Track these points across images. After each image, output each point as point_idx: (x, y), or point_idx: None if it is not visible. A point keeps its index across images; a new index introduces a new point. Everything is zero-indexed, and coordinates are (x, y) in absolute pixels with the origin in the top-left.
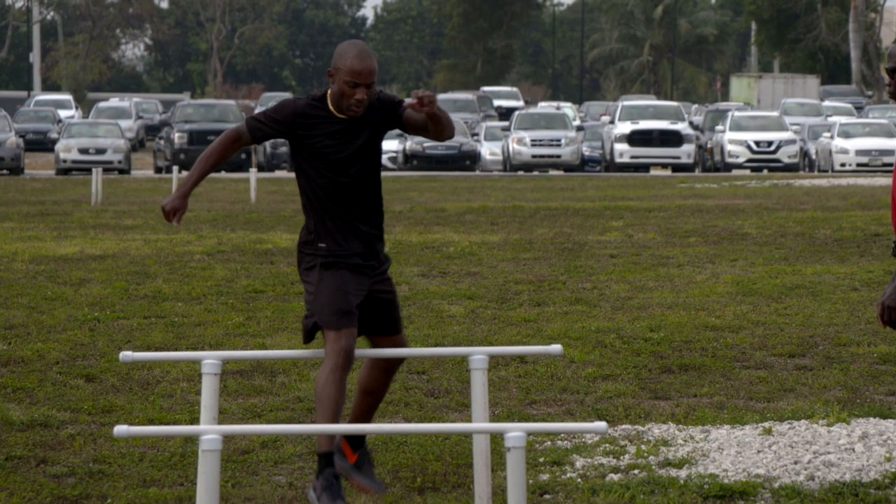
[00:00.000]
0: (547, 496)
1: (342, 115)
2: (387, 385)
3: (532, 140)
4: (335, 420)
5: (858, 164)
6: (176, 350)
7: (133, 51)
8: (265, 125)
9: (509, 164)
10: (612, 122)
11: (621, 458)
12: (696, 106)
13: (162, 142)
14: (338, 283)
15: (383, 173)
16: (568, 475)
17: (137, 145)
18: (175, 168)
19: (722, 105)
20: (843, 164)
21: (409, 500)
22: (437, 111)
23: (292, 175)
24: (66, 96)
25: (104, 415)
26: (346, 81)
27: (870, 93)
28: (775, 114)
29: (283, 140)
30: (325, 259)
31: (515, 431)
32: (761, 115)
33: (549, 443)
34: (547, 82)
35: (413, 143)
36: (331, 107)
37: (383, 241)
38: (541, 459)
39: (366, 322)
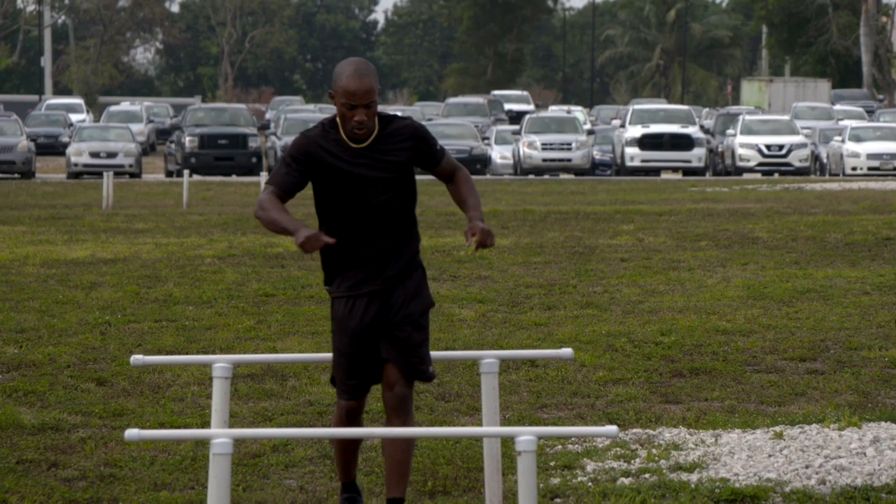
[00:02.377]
0: (558, 500)
1: (355, 145)
2: (399, 445)
3: (543, 144)
4: (346, 458)
5: (869, 168)
6: (187, 354)
7: (144, 55)
8: (288, 173)
9: (520, 167)
10: (622, 125)
11: (632, 462)
12: (706, 109)
13: (173, 146)
14: (341, 351)
15: None
16: (579, 479)
17: (148, 149)
18: (186, 172)
19: (733, 109)
20: (854, 168)
21: None
22: (490, 241)
23: None
24: (78, 100)
25: (115, 418)
26: (342, 104)
27: (881, 96)
28: (786, 117)
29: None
30: (335, 311)
31: (526, 435)
32: (772, 119)
33: (559, 447)
34: (558, 86)
35: None
36: (342, 132)
37: (405, 264)
38: (551, 463)
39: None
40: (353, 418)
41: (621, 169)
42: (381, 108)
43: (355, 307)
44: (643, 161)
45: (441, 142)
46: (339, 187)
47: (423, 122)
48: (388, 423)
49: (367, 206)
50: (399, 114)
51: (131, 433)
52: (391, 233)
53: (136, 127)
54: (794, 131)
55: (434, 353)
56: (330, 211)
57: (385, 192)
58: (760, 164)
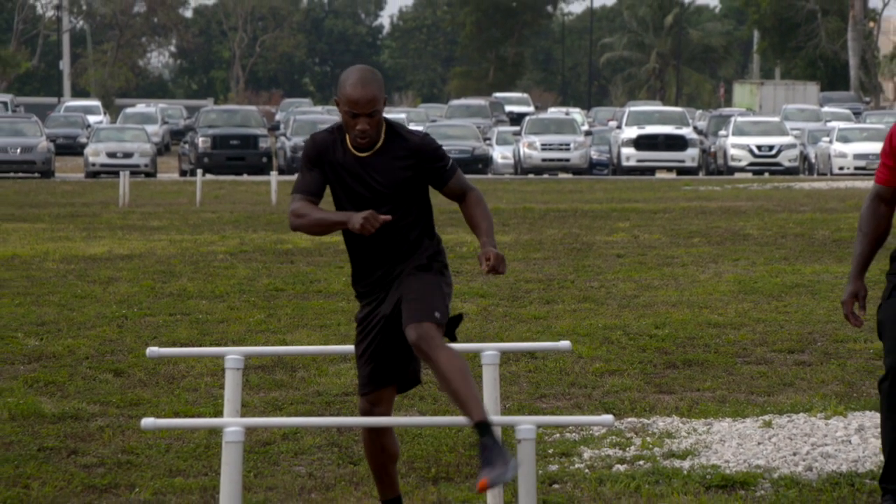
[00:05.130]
0: (556, 486)
1: (358, 153)
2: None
3: (542, 144)
4: (381, 478)
5: (856, 168)
6: (200, 346)
7: (159, 58)
8: (311, 177)
9: (520, 167)
10: (619, 126)
11: (627, 449)
12: (700, 111)
13: (186, 146)
14: (359, 351)
15: None
16: (576, 466)
17: (163, 149)
18: (199, 171)
19: (725, 110)
20: (841, 168)
21: (424, 490)
22: (503, 268)
23: None
24: (95, 102)
25: (132, 408)
26: (345, 111)
27: (867, 99)
28: (776, 119)
29: (302, 142)
30: (357, 315)
31: (526, 424)
32: (763, 121)
33: (557, 435)
34: (557, 88)
35: None
36: (348, 140)
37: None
38: (550, 451)
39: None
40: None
41: (618, 168)
42: (386, 111)
43: (364, 329)
44: (639, 161)
45: (444, 143)
46: (339, 194)
47: (427, 124)
48: (431, 369)
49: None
50: (403, 118)
51: (147, 422)
52: (392, 254)
53: (151, 128)
54: (783, 132)
55: None
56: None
57: (382, 206)
58: (751, 164)
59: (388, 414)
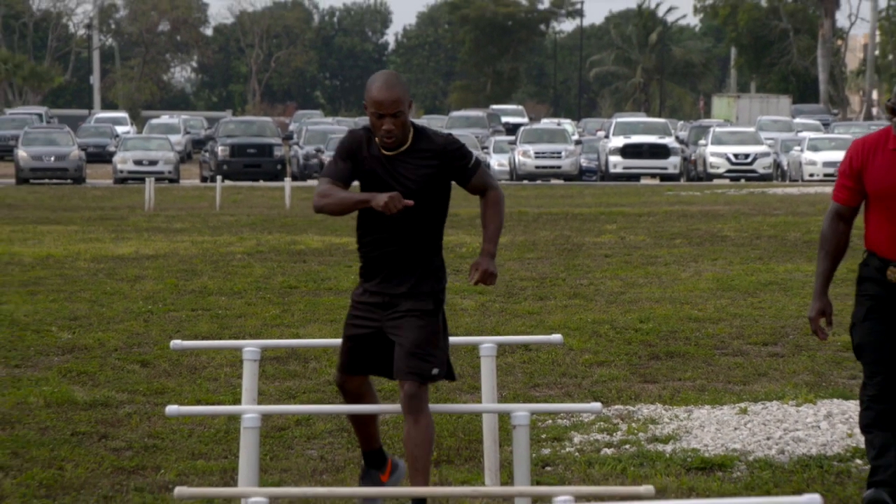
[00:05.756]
0: (548, 468)
1: (386, 152)
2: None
3: (536, 153)
4: (358, 429)
5: (825, 175)
6: (220, 339)
7: (181, 73)
8: (341, 167)
9: (515, 174)
10: (606, 136)
11: (614, 434)
12: (681, 122)
13: (207, 154)
14: (346, 332)
15: None
16: (567, 450)
17: (185, 157)
18: (219, 178)
19: (705, 122)
20: (811, 175)
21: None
22: (493, 280)
23: None
24: (123, 114)
25: (157, 396)
26: (372, 113)
27: (835, 111)
28: (752, 129)
29: (314, 150)
30: (354, 293)
31: (521, 411)
32: (739, 131)
33: (550, 421)
34: (549, 101)
35: None
36: (377, 138)
37: (417, 289)
38: (543, 436)
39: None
40: (346, 394)
41: (605, 175)
42: None
43: (357, 315)
44: (625, 168)
45: None
46: (367, 189)
47: None
48: (405, 422)
49: (385, 214)
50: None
51: (171, 409)
52: (406, 245)
53: (174, 138)
54: (758, 142)
55: None
56: (360, 213)
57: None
58: (729, 171)
59: (360, 386)
